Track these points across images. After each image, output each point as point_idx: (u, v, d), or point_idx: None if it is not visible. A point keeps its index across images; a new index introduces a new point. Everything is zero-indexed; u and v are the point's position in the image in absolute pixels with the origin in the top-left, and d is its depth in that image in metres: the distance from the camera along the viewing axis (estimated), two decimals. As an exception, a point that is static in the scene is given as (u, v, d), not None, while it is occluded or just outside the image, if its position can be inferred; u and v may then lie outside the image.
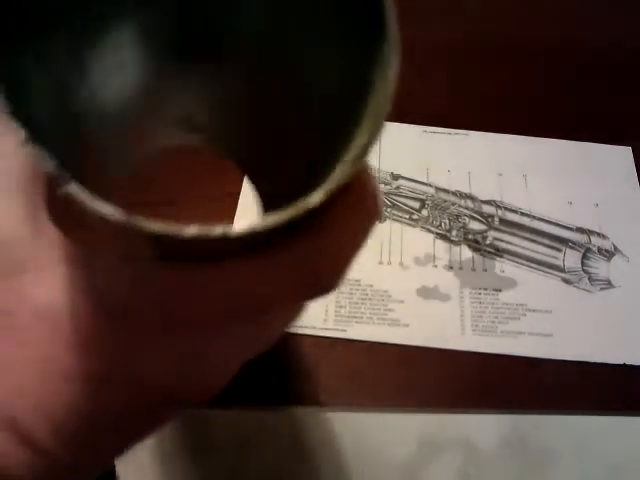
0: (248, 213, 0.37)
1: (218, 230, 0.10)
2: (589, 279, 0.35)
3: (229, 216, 0.37)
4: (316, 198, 0.11)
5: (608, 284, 0.35)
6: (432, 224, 0.37)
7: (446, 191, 0.39)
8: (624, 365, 0.32)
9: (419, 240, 0.37)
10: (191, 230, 0.10)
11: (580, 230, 0.37)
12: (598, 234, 0.37)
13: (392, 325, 0.33)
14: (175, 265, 0.13)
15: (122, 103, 0.17)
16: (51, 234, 0.13)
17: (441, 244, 0.37)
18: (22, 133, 0.10)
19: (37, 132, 0.10)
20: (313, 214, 0.12)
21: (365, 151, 0.12)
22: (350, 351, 0.32)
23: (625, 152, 0.41)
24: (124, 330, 0.13)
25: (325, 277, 0.14)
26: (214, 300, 0.13)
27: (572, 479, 0.30)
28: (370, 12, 0.12)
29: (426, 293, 0.35)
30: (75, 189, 0.10)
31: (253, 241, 0.12)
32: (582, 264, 0.36)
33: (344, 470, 0.29)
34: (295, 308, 0.16)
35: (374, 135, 0.12)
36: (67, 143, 0.14)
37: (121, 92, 0.16)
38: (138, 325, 0.13)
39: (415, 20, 0.48)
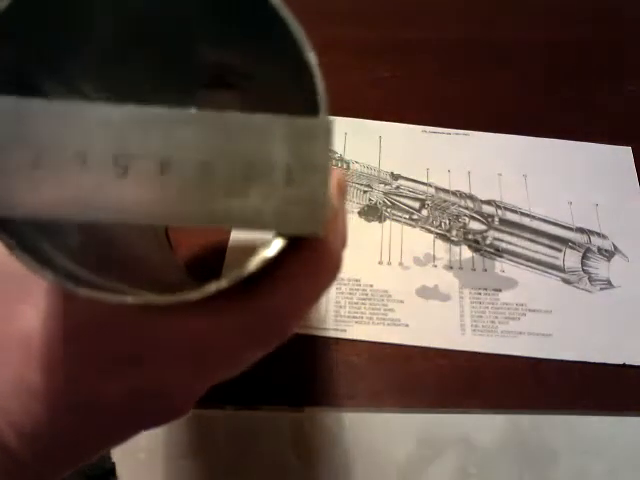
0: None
1: (164, 299, 0.12)
2: (589, 279, 0.35)
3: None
4: (269, 254, 0.12)
5: (608, 284, 0.35)
6: (432, 224, 0.37)
7: (446, 191, 0.39)
8: (624, 365, 0.32)
9: (419, 240, 0.37)
10: (135, 299, 0.12)
11: (580, 230, 0.37)
12: (598, 234, 0.37)
13: (392, 325, 0.33)
14: (139, 312, 0.14)
15: None
16: None
17: (441, 244, 0.37)
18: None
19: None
20: (268, 267, 0.13)
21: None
22: (350, 351, 0.32)
23: (625, 152, 0.41)
24: (88, 356, 0.14)
25: (270, 333, 0.15)
26: (162, 345, 0.14)
27: (572, 479, 0.30)
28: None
29: (426, 293, 0.35)
30: (66, 284, 0.12)
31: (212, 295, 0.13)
32: (582, 264, 0.36)
33: (344, 470, 0.29)
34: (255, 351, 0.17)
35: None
36: None
37: None
38: (99, 356, 0.14)
39: (415, 22, 0.49)
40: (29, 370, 0.14)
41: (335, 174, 0.15)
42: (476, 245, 0.37)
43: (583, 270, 0.36)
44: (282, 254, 0.13)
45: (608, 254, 0.36)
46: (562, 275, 0.36)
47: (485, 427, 0.31)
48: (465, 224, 0.37)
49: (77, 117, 0.10)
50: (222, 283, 0.12)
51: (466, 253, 0.36)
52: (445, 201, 0.38)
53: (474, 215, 0.38)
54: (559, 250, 0.37)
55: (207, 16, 0.15)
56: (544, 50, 0.47)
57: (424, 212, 0.38)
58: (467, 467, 0.30)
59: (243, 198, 0.11)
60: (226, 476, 0.29)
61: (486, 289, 0.35)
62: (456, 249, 0.36)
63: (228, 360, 0.16)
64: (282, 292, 0.15)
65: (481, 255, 0.36)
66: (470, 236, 0.37)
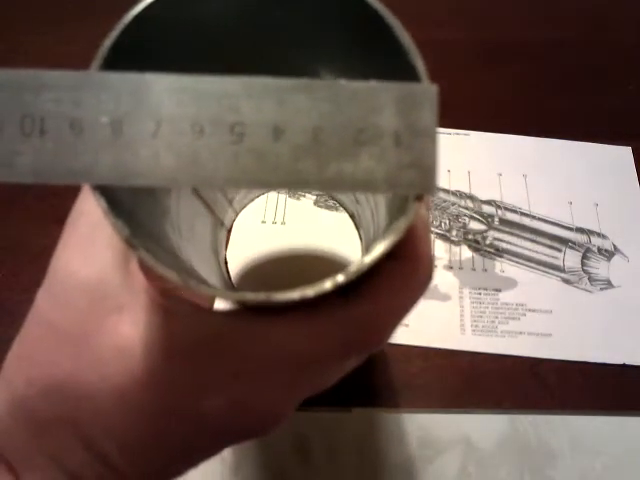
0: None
1: (271, 296, 0.12)
2: (589, 279, 0.35)
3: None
4: (376, 253, 0.13)
5: (608, 284, 0.35)
6: (432, 224, 0.37)
7: (446, 191, 0.39)
8: (624, 365, 0.32)
9: (419, 240, 0.37)
10: (256, 296, 0.12)
11: (580, 230, 0.37)
12: (598, 234, 0.37)
13: (392, 325, 0.33)
14: (239, 318, 0.15)
15: None
16: (139, 282, 0.15)
17: (441, 244, 0.37)
18: (104, 205, 0.12)
19: (117, 203, 0.12)
20: (365, 275, 0.13)
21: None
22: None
23: (625, 152, 0.41)
24: (191, 371, 0.15)
25: (369, 343, 0.15)
26: (263, 357, 0.15)
27: (571, 479, 0.30)
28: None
29: (426, 293, 0.35)
30: (144, 255, 0.12)
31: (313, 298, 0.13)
32: (582, 264, 0.36)
33: (344, 470, 0.29)
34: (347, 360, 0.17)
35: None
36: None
37: None
38: (204, 369, 0.15)
39: (415, 22, 0.48)
40: (129, 384, 0.14)
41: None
42: (476, 245, 0.37)
43: (583, 270, 0.36)
44: (378, 263, 0.13)
45: (608, 254, 0.36)
46: (562, 275, 0.36)
47: (485, 427, 0.31)
48: (465, 224, 0.37)
49: (193, 89, 0.11)
50: (338, 279, 0.12)
51: (466, 253, 0.36)
52: (445, 201, 0.38)
53: (474, 215, 0.38)
54: (559, 250, 0.37)
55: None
56: (544, 50, 0.47)
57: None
58: (467, 467, 0.30)
59: (355, 162, 0.11)
60: (226, 476, 0.29)
61: (486, 289, 0.35)
62: (456, 249, 0.36)
63: (325, 370, 0.16)
64: (381, 299, 0.15)
65: (481, 255, 0.36)
66: (470, 236, 0.37)
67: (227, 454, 0.30)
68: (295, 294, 0.12)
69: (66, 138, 0.11)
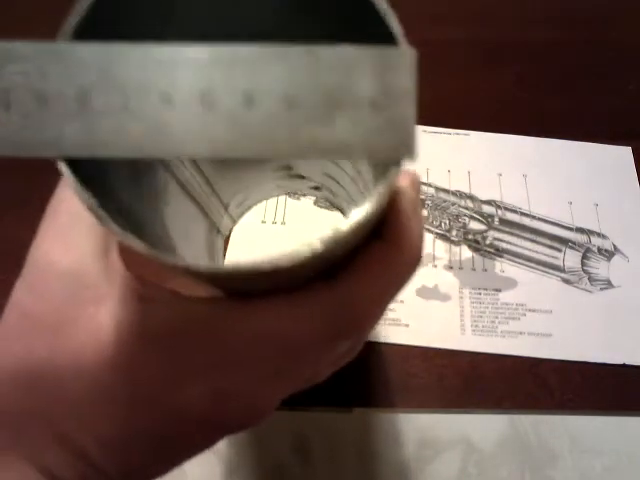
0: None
1: (247, 265, 0.11)
2: (589, 279, 0.35)
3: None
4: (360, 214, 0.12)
5: (608, 284, 0.35)
6: (432, 224, 0.37)
7: (446, 191, 0.39)
8: (624, 365, 0.32)
9: (419, 240, 0.37)
10: (226, 267, 0.12)
11: (580, 230, 0.37)
12: (598, 234, 0.37)
13: (392, 325, 0.33)
14: (219, 304, 0.14)
15: None
16: (119, 271, 0.15)
17: (441, 244, 0.37)
18: (67, 173, 0.11)
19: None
20: (351, 255, 0.13)
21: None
22: (350, 351, 0.32)
23: (625, 152, 0.41)
24: (169, 360, 0.14)
25: (355, 326, 0.15)
26: (245, 343, 0.14)
27: (571, 479, 0.30)
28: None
29: (426, 293, 0.35)
30: (111, 226, 0.11)
31: (299, 271, 0.13)
32: (582, 264, 0.36)
33: (343, 470, 0.29)
34: (336, 350, 0.16)
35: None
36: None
37: None
38: (182, 357, 0.14)
39: (415, 22, 0.48)
40: (107, 377, 0.14)
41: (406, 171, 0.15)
42: (476, 245, 0.37)
43: (583, 270, 0.36)
44: (362, 245, 0.13)
45: (608, 254, 0.36)
46: (562, 275, 0.36)
47: (485, 427, 0.31)
48: (465, 224, 0.37)
49: (161, 58, 0.11)
50: (315, 246, 0.11)
51: (466, 253, 0.36)
52: (445, 201, 0.38)
53: (474, 215, 0.38)
54: (559, 250, 0.37)
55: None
56: (544, 50, 0.47)
57: (424, 212, 0.38)
58: (467, 467, 0.30)
59: (330, 127, 0.11)
60: (226, 476, 0.29)
61: (486, 289, 0.35)
62: (456, 249, 0.36)
63: (312, 357, 0.15)
64: (367, 279, 0.14)
65: (481, 255, 0.36)
66: (470, 236, 0.37)
67: (226, 454, 0.30)
68: (265, 264, 0.11)
69: (32, 111, 0.11)
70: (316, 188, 0.27)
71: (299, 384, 0.16)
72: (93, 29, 0.12)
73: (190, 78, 0.11)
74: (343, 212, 0.28)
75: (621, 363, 0.32)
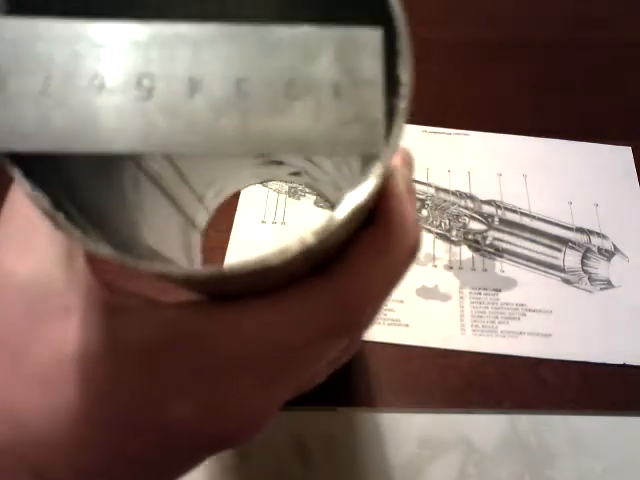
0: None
1: (217, 270, 0.10)
2: (589, 279, 0.35)
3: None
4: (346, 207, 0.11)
5: (608, 284, 0.35)
6: (432, 224, 0.37)
7: (446, 191, 0.39)
8: (624, 365, 0.32)
9: (419, 240, 0.37)
10: (209, 270, 0.10)
11: (580, 230, 0.37)
12: (598, 234, 0.37)
13: (392, 325, 0.33)
14: (200, 309, 0.13)
15: None
16: (84, 281, 0.13)
17: (441, 244, 0.37)
18: (36, 197, 0.10)
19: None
20: (343, 245, 0.12)
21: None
22: (350, 351, 0.32)
23: (625, 152, 0.41)
24: (146, 376, 0.13)
25: (350, 323, 0.13)
26: (230, 349, 0.13)
27: (571, 479, 0.30)
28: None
29: (426, 293, 0.35)
30: (90, 242, 0.10)
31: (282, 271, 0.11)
32: (582, 264, 0.36)
33: (344, 470, 0.29)
34: (332, 349, 0.14)
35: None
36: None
37: None
38: (162, 372, 0.13)
39: (414, 23, 0.48)
40: (76, 399, 0.12)
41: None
42: (476, 245, 0.37)
43: (583, 270, 0.36)
44: (354, 233, 0.11)
45: (608, 254, 0.36)
46: (562, 275, 0.36)
47: (485, 427, 0.31)
48: (465, 224, 0.37)
49: (92, 37, 0.10)
50: (307, 239, 0.10)
51: (466, 253, 0.36)
52: (445, 201, 0.38)
53: (474, 215, 0.38)
54: (559, 250, 0.37)
55: None
56: (544, 50, 0.47)
57: (424, 212, 0.38)
58: (467, 467, 0.30)
59: (286, 117, 0.10)
60: (226, 476, 0.29)
61: (486, 289, 0.35)
62: (456, 249, 0.36)
63: (307, 360, 0.14)
64: (360, 271, 0.13)
65: (481, 255, 0.36)
66: (470, 236, 0.37)
67: (225, 454, 0.30)
68: (251, 264, 0.10)
69: None
70: (296, 174, 0.25)
71: (297, 390, 0.15)
72: (33, 3, 0.10)
73: (126, 60, 0.09)
74: (328, 199, 0.26)
75: (621, 363, 0.32)
